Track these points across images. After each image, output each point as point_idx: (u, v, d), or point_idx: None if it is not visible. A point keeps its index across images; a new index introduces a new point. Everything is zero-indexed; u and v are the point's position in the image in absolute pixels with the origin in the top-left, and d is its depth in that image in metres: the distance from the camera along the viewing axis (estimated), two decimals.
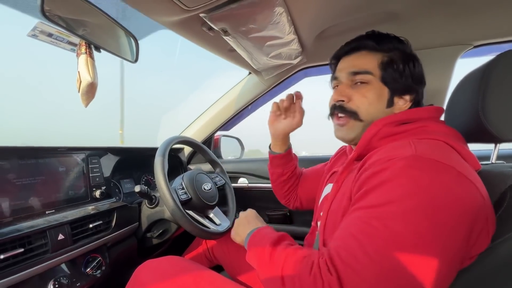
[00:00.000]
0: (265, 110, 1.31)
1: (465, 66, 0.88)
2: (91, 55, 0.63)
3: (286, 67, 1.01)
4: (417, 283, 0.36)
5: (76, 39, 0.65)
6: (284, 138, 0.82)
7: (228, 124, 1.31)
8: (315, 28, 0.82)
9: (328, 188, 0.66)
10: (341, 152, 0.76)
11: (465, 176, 0.40)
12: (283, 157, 0.83)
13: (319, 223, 0.61)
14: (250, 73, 1.16)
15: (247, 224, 0.68)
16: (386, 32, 0.58)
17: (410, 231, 0.37)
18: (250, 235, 0.60)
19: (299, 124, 0.78)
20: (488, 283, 0.42)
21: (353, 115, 0.56)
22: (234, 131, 1.42)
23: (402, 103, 0.54)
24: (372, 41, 0.56)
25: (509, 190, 0.45)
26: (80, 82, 0.63)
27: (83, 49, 0.62)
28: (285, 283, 0.44)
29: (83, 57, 0.62)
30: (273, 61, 0.94)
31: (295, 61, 0.97)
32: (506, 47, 0.82)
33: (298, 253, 0.46)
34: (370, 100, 0.54)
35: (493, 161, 0.60)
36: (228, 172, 1.10)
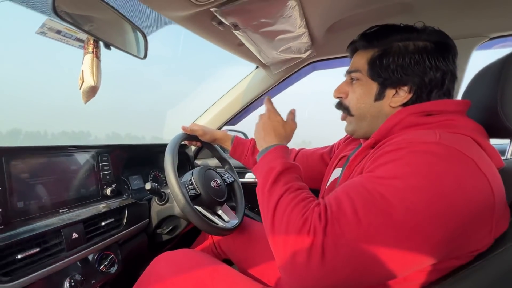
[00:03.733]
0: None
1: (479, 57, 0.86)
2: (97, 55, 0.61)
3: (295, 61, 1.00)
4: (390, 260, 0.36)
5: (84, 36, 0.63)
6: (216, 142, 0.97)
7: (234, 118, 1.30)
8: (327, 20, 0.80)
9: (336, 173, 0.66)
10: (352, 137, 0.75)
11: (482, 171, 0.39)
12: (234, 153, 0.95)
13: None
14: (257, 67, 1.14)
15: (261, 139, 0.64)
16: (392, 24, 0.56)
17: (403, 207, 0.37)
18: (261, 156, 0.59)
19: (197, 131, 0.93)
20: (495, 285, 0.41)
21: (347, 111, 0.60)
22: (240, 126, 1.41)
23: (403, 94, 0.52)
24: (363, 41, 0.57)
25: None
26: (83, 81, 0.62)
27: (90, 48, 0.60)
28: (275, 217, 0.46)
29: (89, 57, 0.60)
30: (282, 55, 0.92)
31: (304, 55, 0.95)
32: None
33: (296, 196, 0.47)
34: (358, 95, 0.57)
35: (508, 157, 0.59)
36: (235, 168, 1.10)
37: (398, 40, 0.52)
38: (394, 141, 0.45)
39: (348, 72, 0.59)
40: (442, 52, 0.51)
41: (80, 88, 0.63)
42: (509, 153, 0.59)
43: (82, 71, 0.62)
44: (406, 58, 0.51)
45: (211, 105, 1.30)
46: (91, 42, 0.61)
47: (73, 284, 0.63)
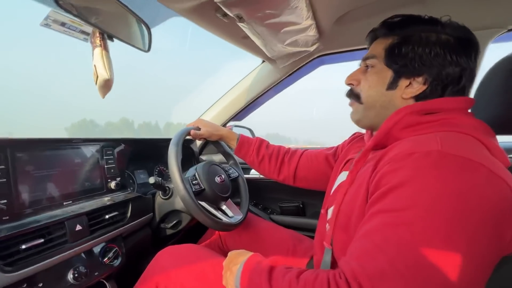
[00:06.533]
0: (280, 100, 1.28)
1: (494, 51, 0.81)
2: (105, 48, 0.61)
3: (302, 55, 0.97)
4: None
5: (88, 28, 0.63)
6: (221, 139, 0.96)
7: (240, 114, 1.28)
8: (335, 12, 0.78)
9: (342, 176, 0.64)
10: (357, 139, 0.74)
11: (495, 173, 0.37)
12: (238, 151, 0.93)
13: (330, 211, 0.60)
14: (263, 61, 1.13)
15: (233, 266, 0.56)
16: (413, 14, 0.54)
17: (440, 237, 0.35)
18: (240, 276, 0.51)
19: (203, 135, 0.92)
20: None
21: (356, 98, 0.58)
22: (246, 121, 1.40)
23: (417, 86, 0.50)
24: (384, 28, 0.55)
25: None
26: (97, 76, 0.62)
27: (97, 41, 0.60)
28: None
29: (98, 50, 0.60)
30: (289, 49, 0.90)
31: (311, 48, 0.93)
32: None
33: (303, 278, 0.42)
34: (370, 83, 0.55)
35: None
36: (240, 163, 1.09)
37: (421, 30, 0.51)
38: (394, 155, 0.43)
39: (364, 59, 0.58)
40: (465, 49, 0.49)
41: (96, 83, 0.64)
42: None
43: (95, 65, 0.62)
44: (426, 48, 0.49)
45: (217, 100, 1.29)
46: (97, 35, 0.61)
47: (76, 275, 0.63)
